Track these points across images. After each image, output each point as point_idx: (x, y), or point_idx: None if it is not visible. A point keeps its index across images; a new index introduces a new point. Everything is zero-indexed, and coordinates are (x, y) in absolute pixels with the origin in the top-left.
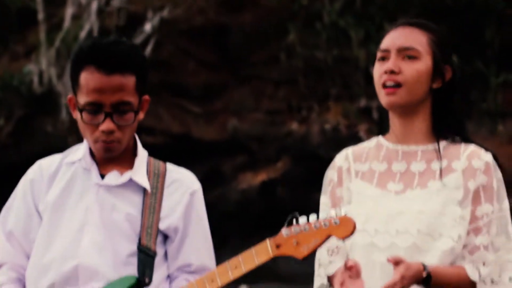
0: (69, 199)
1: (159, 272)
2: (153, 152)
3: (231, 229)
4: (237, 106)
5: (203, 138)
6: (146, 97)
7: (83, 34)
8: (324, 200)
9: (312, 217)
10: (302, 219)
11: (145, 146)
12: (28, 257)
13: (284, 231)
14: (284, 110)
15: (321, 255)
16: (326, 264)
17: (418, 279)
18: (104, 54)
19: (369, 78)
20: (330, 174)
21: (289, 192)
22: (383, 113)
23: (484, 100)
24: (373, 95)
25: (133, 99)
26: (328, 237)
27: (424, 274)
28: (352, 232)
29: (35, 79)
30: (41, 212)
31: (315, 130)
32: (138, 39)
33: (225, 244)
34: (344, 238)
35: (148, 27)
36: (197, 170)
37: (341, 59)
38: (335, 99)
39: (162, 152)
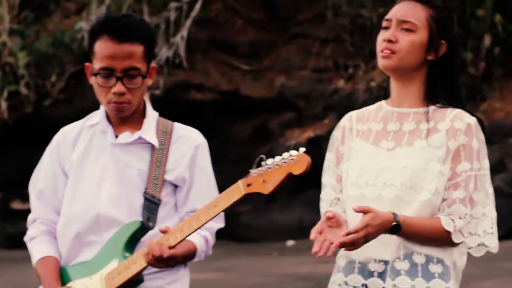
0: (89, 158)
1: (174, 220)
2: (202, 108)
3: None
4: (285, 64)
5: (251, 95)
6: (153, 65)
7: None
8: (330, 156)
9: (277, 157)
10: (269, 160)
11: (194, 102)
12: (57, 212)
13: (253, 171)
14: (331, 68)
15: (322, 206)
16: (324, 213)
17: (386, 228)
18: (116, 25)
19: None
20: (336, 133)
21: None
22: (387, 80)
23: None
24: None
25: (141, 65)
26: (288, 173)
27: (394, 223)
28: (306, 169)
29: (86, 36)
30: (67, 171)
31: (361, 88)
32: None
33: (273, 200)
34: (299, 174)
35: None
36: (245, 126)
37: None
38: None
39: (211, 108)
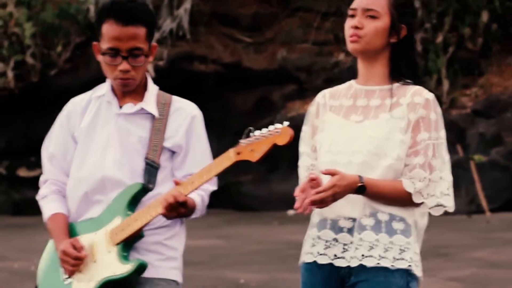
0: (96, 126)
1: (170, 182)
2: (205, 79)
3: (281, 156)
4: (286, 37)
5: (253, 67)
6: (154, 44)
7: None
8: (306, 128)
9: (264, 129)
10: (257, 132)
11: (197, 74)
12: (66, 174)
13: (242, 141)
14: (331, 42)
15: (300, 172)
16: (303, 179)
17: (352, 188)
18: (121, 9)
19: (413, 11)
20: (311, 109)
21: None
22: (355, 62)
23: None
24: (417, 27)
25: (144, 45)
26: (273, 143)
27: (359, 184)
28: (289, 140)
29: (91, 8)
30: (76, 137)
31: None
32: None
33: (276, 170)
34: (283, 144)
35: None
36: (247, 98)
37: None
38: None
39: (213, 80)
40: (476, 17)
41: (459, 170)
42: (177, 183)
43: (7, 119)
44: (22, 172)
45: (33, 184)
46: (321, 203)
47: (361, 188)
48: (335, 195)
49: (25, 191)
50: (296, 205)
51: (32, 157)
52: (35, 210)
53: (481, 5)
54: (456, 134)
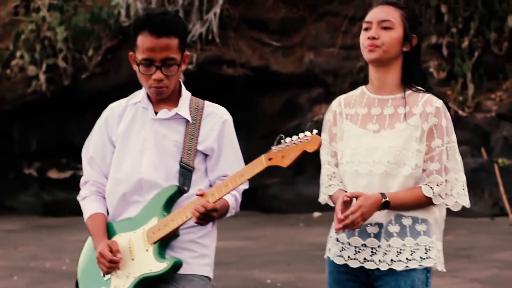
0: (133, 130)
1: (204, 183)
2: (233, 83)
3: (307, 159)
4: (313, 41)
5: (281, 71)
6: (187, 53)
7: None
8: (324, 136)
9: (294, 137)
10: (287, 139)
11: (226, 77)
12: (105, 176)
13: (274, 147)
14: (358, 46)
15: (323, 179)
16: (326, 186)
17: (378, 206)
18: (154, 22)
19: (440, 16)
20: (328, 116)
21: None
22: (366, 69)
23: None
24: (443, 32)
25: (176, 55)
26: (303, 151)
27: (383, 201)
28: (318, 147)
29: (122, 12)
30: (114, 141)
31: None
32: None
33: (302, 173)
34: (312, 151)
35: None
36: (275, 101)
37: None
38: None
39: (242, 83)
40: (502, 22)
41: (483, 173)
42: (200, 195)
43: (39, 121)
44: (53, 174)
45: (64, 185)
46: (353, 225)
47: (385, 204)
48: (364, 215)
49: (56, 192)
50: (337, 227)
51: (63, 159)
52: (65, 211)
53: (507, 10)
54: (480, 138)
